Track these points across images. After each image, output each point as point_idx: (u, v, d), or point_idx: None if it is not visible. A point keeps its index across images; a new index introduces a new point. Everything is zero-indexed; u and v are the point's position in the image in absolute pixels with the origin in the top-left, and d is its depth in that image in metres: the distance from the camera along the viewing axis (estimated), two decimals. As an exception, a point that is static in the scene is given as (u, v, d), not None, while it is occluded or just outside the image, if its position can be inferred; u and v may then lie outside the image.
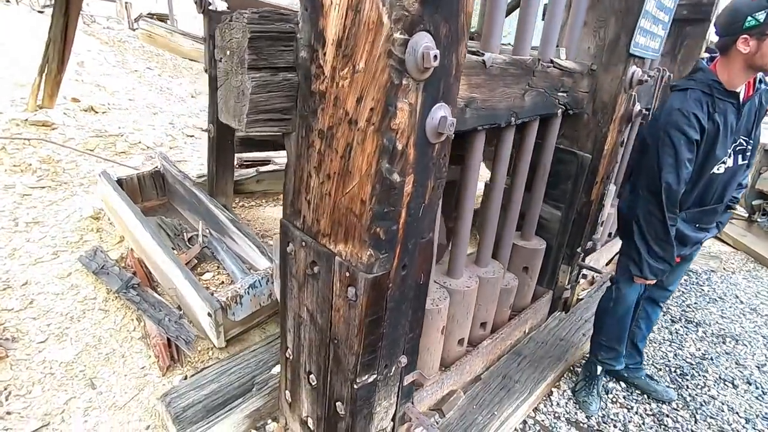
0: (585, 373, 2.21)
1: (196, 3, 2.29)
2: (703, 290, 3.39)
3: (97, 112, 3.83)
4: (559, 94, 1.93)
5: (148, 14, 9.85)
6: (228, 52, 1.13)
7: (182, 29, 7.52)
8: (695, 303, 3.19)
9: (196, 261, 2.33)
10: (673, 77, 3.51)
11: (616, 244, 3.81)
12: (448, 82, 1.05)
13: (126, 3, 9.92)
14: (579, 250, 2.54)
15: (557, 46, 1.95)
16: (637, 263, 1.84)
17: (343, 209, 1.13)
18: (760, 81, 1.74)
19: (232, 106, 1.16)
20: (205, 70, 2.48)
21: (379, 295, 1.16)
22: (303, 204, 1.27)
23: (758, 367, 2.54)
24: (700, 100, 1.67)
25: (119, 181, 2.56)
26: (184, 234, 2.48)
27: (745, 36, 1.56)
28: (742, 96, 1.71)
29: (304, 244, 1.29)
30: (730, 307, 3.18)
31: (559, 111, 2.00)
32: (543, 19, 1.91)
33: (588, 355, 2.28)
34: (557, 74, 1.84)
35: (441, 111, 1.04)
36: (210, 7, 2.32)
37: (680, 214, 1.80)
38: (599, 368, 2.18)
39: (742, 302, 3.26)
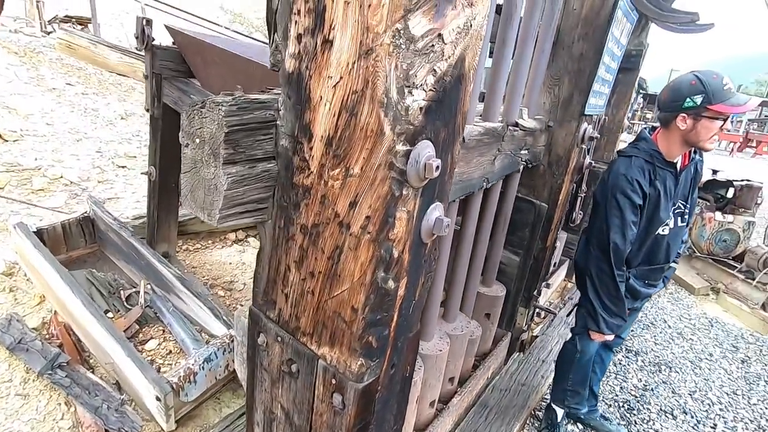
0: (547, 421, 2.27)
1: (137, 38, 2.06)
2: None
3: (6, 141, 3.31)
4: (522, 152, 1.98)
5: (66, 17, 8.94)
6: (197, 140, 1.00)
7: (108, 40, 6.86)
8: (632, 330, 3.43)
9: (137, 326, 2.07)
10: (607, 120, 3.78)
11: (561, 273, 4.00)
12: (443, 181, 1.00)
13: (38, 2, 8.91)
14: (535, 293, 2.62)
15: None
16: (594, 318, 1.93)
17: (329, 312, 1.04)
18: (695, 151, 1.92)
19: (200, 198, 1.03)
20: (146, 110, 2.24)
21: (368, 401, 1.08)
22: (279, 296, 1.16)
23: (690, 395, 2.77)
24: (643, 167, 1.82)
25: (39, 232, 2.23)
26: (121, 292, 2.20)
27: (683, 114, 1.71)
28: (679, 165, 1.88)
29: (279, 339, 1.17)
30: (660, 332, 3.46)
31: (521, 167, 2.06)
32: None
33: (548, 400, 2.34)
34: (521, 135, 1.89)
35: (436, 212, 0.99)
36: (154, 42, 2.11)
37: (631, 271, 1.93)
38: (560, 413, 2.25)
39: (669, 326, 3.57)
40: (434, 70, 0.82)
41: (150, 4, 8.29)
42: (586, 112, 2.11)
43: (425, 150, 0.86)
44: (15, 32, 7.00)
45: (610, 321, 1.91)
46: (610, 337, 1.95)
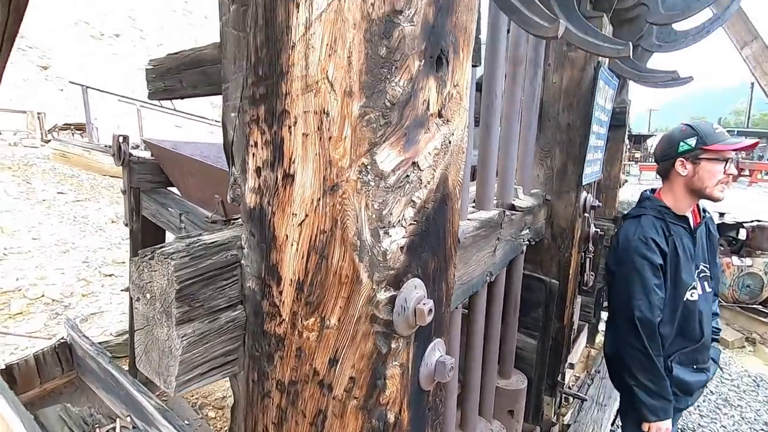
0: None
1: (114, 155, 2.02)
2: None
3: (-12, 262, 3.24)
4: (523, 233, 1.85)
5: (65, 125, 9.33)
6: (148, 295, 0.86)
7: (103, 144, 7.08)
8: (672, 400, 3.09)
9: (113, 471, 1.82)
10: (602, 177, 3.71)
11: (581, 341, 3.72)
12: (440, 313, 0.85)
13: (39, 114, 9.35)
14: (559, 378, 2.37)
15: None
16: (641, 407, 1.69)
17: (318, 490, 0.83)
18: (704, 210, 1.81)
19: (155, 361, 0.87)
20: (125, 224, 2.15)
21: None
22: (259, 462, 0.95)
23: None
24: (655, 225, 1.72)
25: (8, 369, 2.03)
26: (97, 430, 1.96)
27: (681, 159, 1.68)
28: (691, 222, 1.77)
29: None
30: (704, 401, 3.12)
31: (524, 247, 1.92)
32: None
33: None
34: (520, 216, 1.77)
35: (436, 352, 0.82)
36: (131, 158, 2.06)
37: (672, 359, 1.71)
38: None
39: (712, 392, 3.23)
40: (413, 201, 0.69)
41: (144, 104, 8.69)
42: (583, 183, 2.02)
43: (413, 293, 0.71)
44: (14, 145, 7.23)
45: (652, 403, 1.66)
46: (666, 426, 1.67)
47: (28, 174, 5.29)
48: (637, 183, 16.66)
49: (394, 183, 0.65)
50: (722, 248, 4.17)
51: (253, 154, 0.81)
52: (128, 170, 2.04)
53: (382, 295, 0.67)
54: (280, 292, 0.81)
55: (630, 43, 1.50)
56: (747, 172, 20.31)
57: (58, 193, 5.01)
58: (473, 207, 1.58)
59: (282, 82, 0.73)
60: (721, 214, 4.41)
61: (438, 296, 0.82)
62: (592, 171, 2.11)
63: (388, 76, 0.61)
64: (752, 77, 3.09)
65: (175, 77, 1.41)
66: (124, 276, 3.45)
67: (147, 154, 2.24)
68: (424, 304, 0.70)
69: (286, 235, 0.77)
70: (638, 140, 34.72)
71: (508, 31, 1.81)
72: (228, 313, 0.87)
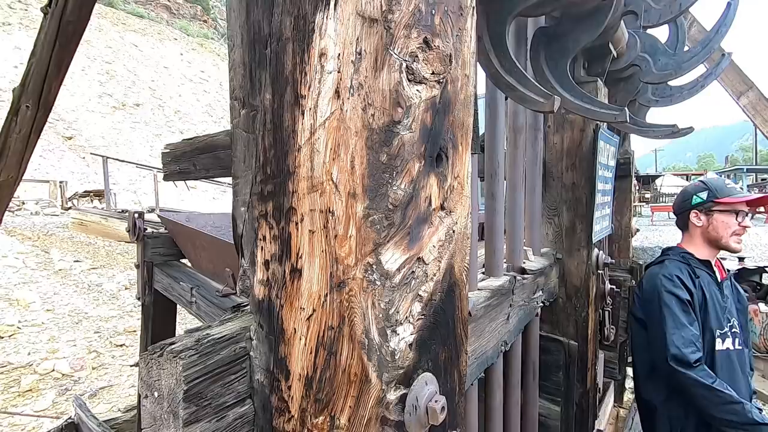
0: None
1: (129, 231, 2.08)
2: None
3: (2, 337, 3.24)
4: (536, 295, 1.82)
5: (85, 191, 9.69)
6: (156, 393, 0.85)
7: (118, 209, 7.31)
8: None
9: None
10: (613, 228, 3.69)
11: (608, 401, 3.52)
12: (454, 405, 0.82)
13: (61, 183, 9.76)
14: (589, 447, 2.22)
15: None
16: None
17: None
18: (728, 270, 1.80)
19: (161, 463, 0.84)
20: (137, 298, 2.17)
21: None
22: None
23: None
24: (679, 267, 1.75)
25: (14, 454, 1.97)
26: None
27: (695, 211, 1.78)
28: (717, 274, 1.77)
29: None
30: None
31: (539, 309, 1.87)
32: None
33: None
34: (531, 279, 1.74)
35: (452, 448, 0.79)
36: (146, 232, 2.12)
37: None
38: None
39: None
40: (419, 296, 0.69)
41: (160, 170, 9.04)
42: (593, 241, 2.00)
43: (424, 389, 0.69)
44: (36, 214, 7.48)
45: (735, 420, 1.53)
46: None
47: (47, 243, 5.45)
48: (649, 224, 16.44)
49: (399, 281, 0.65)
50: (747, 294, 4.03)
51: (262, 247, 0.83)
52: (142, 245, 2.09)
53: (392, 395, 0.66)
54: (289, 387, 0.80)
55: (626, 108, 1.55)
56: (762, 209, 20.00)
57: (74, 261, 5.12)
58: (483, 273, 1.57)
59: (289, 181, 0.76)
60: (741, 259, 4.30)
61: (450, 387, 0.79)
62: (601, 228, 2.10)
63: (390, 181, 0.63)
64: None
65: (189, 161, 1.48)
66: (134, 346, 3.43)
67: (155, 209, 2.30)
68: (436, 401, 0.68)
69: (294, 329, 0.77)
70: (647, 181, 34.78)
71: (506, 98, 1.89)
72: (236, 410, 0.85)
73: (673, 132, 2.55)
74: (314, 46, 0.70)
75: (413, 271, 0.67)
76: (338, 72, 0.67)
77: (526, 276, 1.68)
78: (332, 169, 0.69)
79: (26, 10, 26.28)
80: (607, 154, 2.13)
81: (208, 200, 15.65)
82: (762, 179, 25.65)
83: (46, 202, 8.50)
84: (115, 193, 9.95)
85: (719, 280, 1.77)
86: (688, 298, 1.67)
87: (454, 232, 0.77)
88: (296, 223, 0.75)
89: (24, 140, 1.76)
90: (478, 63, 1.35)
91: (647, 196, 31.88)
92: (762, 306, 3.82)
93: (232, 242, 1.90)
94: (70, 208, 8.63)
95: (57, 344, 3.27)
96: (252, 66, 0.82)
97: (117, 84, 24.28)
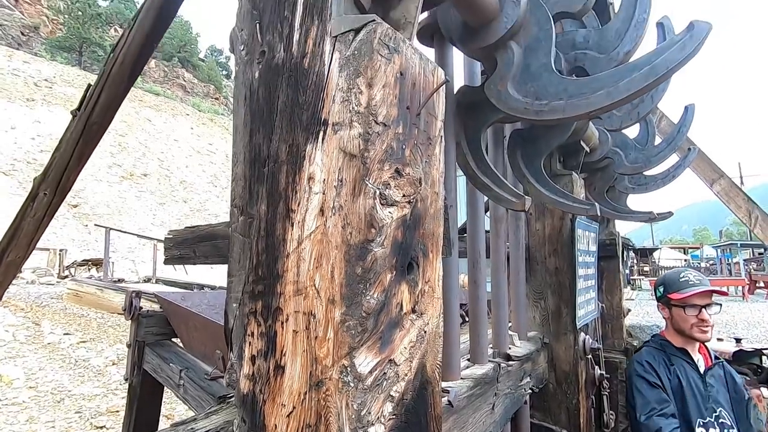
0: None
1: (125, 310, 2.13)
2: None
3: (-20, 417, 3.13)
4: (524, 382, 1.82)
5: (83, 260, 9.73)
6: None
7: (115, 280, 7.33)
8: None
9: None
10: (604, 308, 3.72)
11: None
12: (428, 506, 0.83)
13: (60, 251, 9.84)
14: None
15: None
16: None
17: None
18: (716, 357, 1.83)
19: None
20: (125, 379, 2.16)
21: None
22: None
23: None
24: (654, 353, 1.85)
25: None
26: None
27: (659, 304, 1.89)
28: (701, 364, 1.78)
29: None
30: None
31: (527, 396, 1.87)
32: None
33: None
34: (518, 366, 1.76)
35: None
36: (141, 311, 2.16)
37: None
38: None
39: None
40: (391, 396, 0.75)
41: (161, 240, 9.17)
42: (578, 326, 2.04)
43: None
44: (31, 283, 7.46)
45: None
46: None
47: (39, 315, 5.39)
48: (650, 298, 16.22)
49: (371, 383, 0.72)
50: (747, 378, 3.92)
51: (250, 342, 0.90)
52: (136, 324, 2.12)
53: (364, 498, 0.69)
54: (268, 485, 0.82)
55: (596, 204, 1.68)
56: (762, 284, 19.85)
57: (64, 334, 5.03)
58: (468, 361, 1.60)
59: (278, 283, 0.85)
60: (738, 340, 4.24)
61: (424, 487, 0.82)
62: (586, 312, 2.15)
63: (364, 291, 0.72)
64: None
65: (190, 247, 1.58)
66: (116, 428, 3.28)
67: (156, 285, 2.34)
68: (406, 504, 0.70)
69: (275, 425, 0.82)
70: (644, 254, 34.90)
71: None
72: (215, 508, 0.87)
73: (650, 218, 2.69)
74: (304, 171, 0.83)
75: (385, 373, 0.74)
76: (323, 194, 0.79)
77: (511, 363, 1.70)
78: (315, 276, 0.78)
79: (51, 88, 28.19)
80: (586, 241, 2.24)
81: (206, 269, 15.65)
82: (759, 253, 25.77)
83: (43, 271, 8.51)
84: (114, 261, 9.99)
85: (703, 368, 1.78)
86: (657, 381, 1.74)
87: (425, 332, 0.84)
88: (282, 323, 0.83)
89: (37, 223, 1.88)
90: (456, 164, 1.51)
91: (646, 269, 31.81)
92: (765, 390, 3.70)
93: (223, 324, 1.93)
94: (66, 276, 8.62)
95: (35, 425, 3.13)
96: (251, 180, 0.95)
97: (128, 155, 25.32)
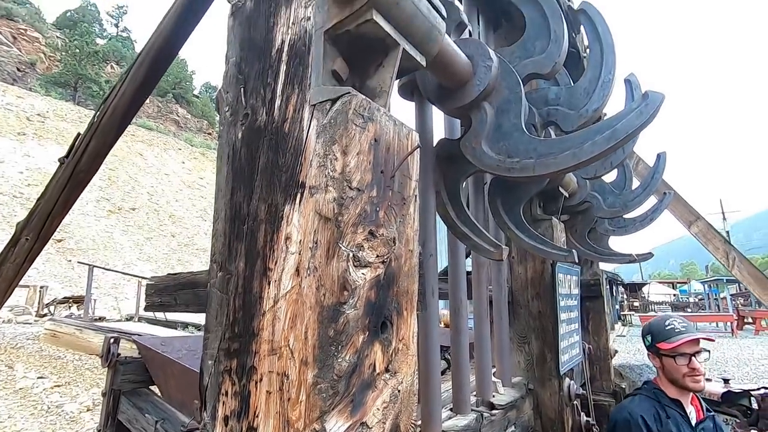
0: None
1: (101, 357, 2.07)
2: None
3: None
4: (509, 431, 1.79)
5: (63, 298, 9.46)
6: None
7: (96, 318, 7.11)
8: None
9: None
10: (591, 349, 3.70)
11: None
12: None
13: (41, 288, 9.57)
14: None
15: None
16: None
17: None
18: (708, 410, 1.81)
19: None
20: (98, 431, 2.07)
21: None
22: None
23: None
24: (649, 405, 1.74)
25: None
26: None
27: (649, 353, 1.80)
28: (693, 416, 1.75)
29: None
30: None
31: (513, 446, 1.83)
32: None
33: None
34: (501, 415, 1.74)
35: None
36: (119, 358, 2.10)
37: None
38: None
39: None
40: (363, 461, 0.75)
41: (144, 279, 8.99)
42: (562, 371, 2.04)
43: None
44: (8, 322, 7.21)
45: None
46: None
47: (13, 358, 5.16)
48: (640, 335, 16.07)
49: (342, 449, 0.71)
50: (737, 420, 3.88)
51: (224, 402, 0.89)
52: (113, 371, 2.06)
53: None
54: None
55: (574, 251, 1.72)
56: (750, 320, 19.93)
57: (38, 377, 4.82)
58: (451, 410, 1.58)
59: (253, 341, 0.86)
60: (726, 381, 4.23)
61: None
62: (569, 357, 2.15)
63: (336, 353, 0.73)
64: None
65: (171, 295, 1.58)
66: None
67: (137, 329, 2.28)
68: None
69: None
70: (633, 289, 34.97)
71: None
72: None
73: (631, 260, 2.74)
74: (282, 230, 0.86)
75: (356, 437, 0.74)
76: (299, 254, 0.81)
77: (495, 412, 1.69)
78: (290, 336, 0.79)
79: (43, 122, 28.33)
80: (568, 284, 2.27)
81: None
82: (745, 288, 25.98)
83: (21, 309, 8.23)
84: (96, 298, 9.73)
85: (695, 421, 1.74)
86: None
87: (399, 391, 0.84)
88: (256, 382, 0.83)
89: (17, 268, 1.85)
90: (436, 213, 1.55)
91: (636, 304, 31.79)
92: (755, 433, 3.66)
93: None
94: (45, 315, 8.36)
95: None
96: (231, 237, 0.97)
97: (117, 189, 25.19)
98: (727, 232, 29.22)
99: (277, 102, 0.94)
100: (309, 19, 0.92)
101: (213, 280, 1.00)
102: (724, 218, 32.34)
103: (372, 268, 0.81)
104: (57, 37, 47.85)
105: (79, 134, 1.73)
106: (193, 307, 1.50)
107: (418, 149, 0.94)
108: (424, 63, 1.00)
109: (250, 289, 0.89)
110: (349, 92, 0.82)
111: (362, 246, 0.79)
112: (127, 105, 1.58)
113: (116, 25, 62.33)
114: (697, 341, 1.69)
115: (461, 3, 2.16)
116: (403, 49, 0.94)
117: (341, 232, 0.77)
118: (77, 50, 41.94)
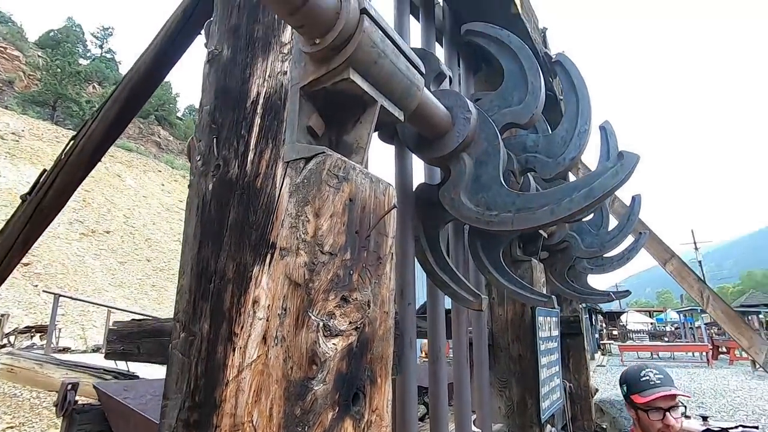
0: None
1: (56, 405, 1.93)
2: None
3: None
4: (489, 486, 1.72)
5: (26, 327, 8.98)
6: None
7: (60, 349, 6.73)
8: None
9: None
10: (572, 387, 3.66)
11: None
12: None
13: (1, 316, 9.05)
14: None
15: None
16: None
17: None
18: None
19: None
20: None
21: None
22: None
23: None
24: None
25: None
26: None
27: (625, 403, 1.75)
28: None
29: None
30: None
31: (493, 501, 1.75)
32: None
33: None
34: (482, 469, 1.67)
35: None
36: (75, 406, 1.96)
37: None
38: None
39: None
40: None
41: (114, 309, 8.63)
42: (543, 419, 1.99)
43: None
44: (-39, 353, 6.75)
45: None
46: None
47: (-38, 395, 4.78)
48: (620, 364, 16.22)
49: None
50: (718, 461, 3.86)
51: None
52: (67, 422, 1.91)
53: None
54: None
55: (553, 297, 1.70)
56: (725, 349, 20.29)
57: (-10, 417, 4.47)
58: (428, 467, 1.51)
59: (214, 414, 0.79)
60: (704, 418, 4.23)
61: None
62: (551, 403, 2.11)
63: (302, 435, 0.68)
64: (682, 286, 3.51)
65: (134, 343, 1.48)
66: None
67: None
68: None
69: None
70: (612, 317, 35.38)
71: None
72: None
73: (609, 299, 2.75)
74: (250, 293, 0.81)
75: None
76: (267, 321, 0.76)
77: (474, 467, 1.62)
78: (254, 412, 0.73)
79: (17, 141, 27.62)
80: (548, 326, 2.25)
81: (164, 334, 14.66)
82: (718, 318, 26.45)
83: (-22, 338, 7.76)
84: (61, 327, 9.25)
85: None
86: None
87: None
88: (216, 463, 0.76)
89: (-33, 310, 1.73)
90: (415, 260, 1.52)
91: (615, 332, 32.09)
92: (736, 474, 3.63)
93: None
94: (4, 346, 7.89)
95: None
96: (197, 295, 0.91)
97: (91, 211, 24.49)
98: (700, 261, 30.06)
99: (250, 155, 0.91)
100: (286, 73, 0.90)
101: (175, 341, 0.93)
102: (696, 248, 33.34)
103: (344, 336, 0.76)
104: (38, 56, 47.32)
105: (44, 170, 1.66)
106: (157, 358, 1.41)
107: (395, 210, 0.91)
108: (402, 118, 0.99)
109: (214, 355, 0.83)
110: (323, 152, 0.79)
111: (334, 314, 0.75)
112: (97, 142, 1.52)
113: (101, 46, 62.14)
114: (673, 396, 1.65)
115: (442, 47, 2.21)
116: (381, 105, 0.93)
117: (311, 300, 0.73)
118: (59, 70, 41.46)
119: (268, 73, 0.94)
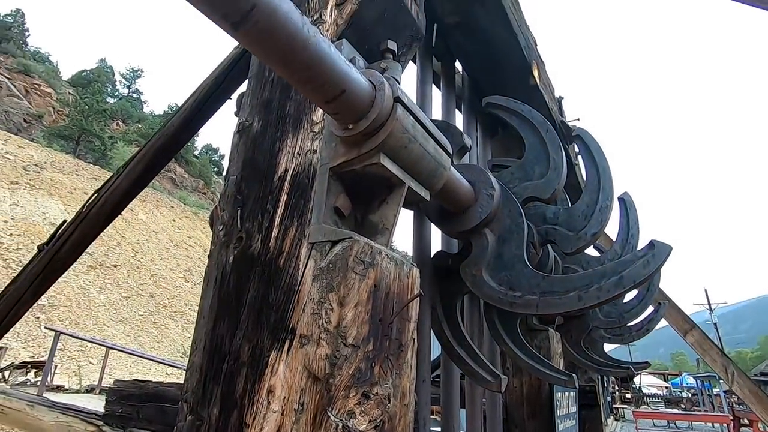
0: None
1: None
2: None
3: None
4: None
5: (22, 362, 8.80)
6: None
7: (53, 388, 6.53)
8: None
9: None
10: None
11: None
12: None
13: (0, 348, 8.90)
14: None
15: None
16: None
17: None
18: None
19: None
20: None
21: None
22: None
23: None
24: None
25: None
26: None
27: None
28: None
29: None
30: None
31: None
32: None
33: None
34: None
35: None
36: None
37: None
38: None
39: None
40: None
41: (114, 347, 8.47)
42: None
43: None
44: (-46, 387, 6.56)
45: None
46: None
47: (-51, 435, 4.60)
48: (632, 434, 15.27)
49: None
50: None
51: None
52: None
53: None
54: None
55: (575, 375, 1.62)
56: (747, 421, 19.06)
57: (-28, 462, 4.26)
58: None
59: None
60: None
61: None
62: (570, 490, 1.95)
63: None
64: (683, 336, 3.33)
65: (133, 406, 1.42)
66: None
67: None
68: None
69: None
70: (624, 379, 33.74)
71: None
72: None
73: (629, 374, 2.62)
74: (265, 380, 0.77)
75: None
76: (282, 415, 0.72)
77: None
78: None
79: (39, 173, 28.46)
80: (566, 403, 2.13)
81: (161, 375, 14.28)
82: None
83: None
84: (57, 363, 9.04)
85: None
86: None
87: None
88: None
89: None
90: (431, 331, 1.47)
91: (628, 396, 30.45)
92: None
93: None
94: (-2, 380, 7.70)
95: None
96: (208, 375, 0.87)
97: (102, 244, 24.68)
98: (715, 324, 29.01)
99: (274, 231, 0.89)
100: (315, 152, 0.91)
101: (180, 423, 0.88)
102: (711, 310, 32.29)
103: (363, 437, 0.71)
104: (69, 93, 49.77)
105: (64, 221, 1.67)
106: (156, 426, 1.34)
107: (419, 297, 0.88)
108: (428, 198, 0.99)
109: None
110: (351, 237, 0.78)
111: (354, 413, 0.70)
112: (120, 197, 1.54)
113: (128, 86, 65.29)
114: None
115: (461, 112, 2.26)
116: (409, 186, 0.92)
117: (331, 397, 0.69)
118: (86, 107, 43.40)
119: (297, 150, 0.95)
